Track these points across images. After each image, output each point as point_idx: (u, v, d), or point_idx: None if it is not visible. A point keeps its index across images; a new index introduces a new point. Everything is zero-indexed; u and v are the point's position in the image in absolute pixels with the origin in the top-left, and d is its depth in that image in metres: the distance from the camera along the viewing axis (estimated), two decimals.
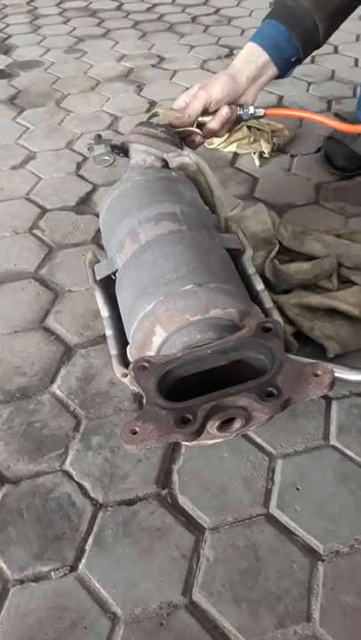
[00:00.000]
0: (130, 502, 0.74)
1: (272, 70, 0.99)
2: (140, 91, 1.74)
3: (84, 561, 0.68)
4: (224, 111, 0.97)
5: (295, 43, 0.96)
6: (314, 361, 0.65)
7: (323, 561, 0.67)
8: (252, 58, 0.98)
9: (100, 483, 0.76)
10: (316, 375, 0.60)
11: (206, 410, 0.59)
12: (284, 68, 1.00)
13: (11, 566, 0.68)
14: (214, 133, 1.01)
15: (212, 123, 0.99)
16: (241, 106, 1.00)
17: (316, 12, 0.95)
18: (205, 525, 0.71)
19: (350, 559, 0.67)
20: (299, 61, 1.01)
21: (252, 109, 1.00)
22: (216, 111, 0.98)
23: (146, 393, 0.63)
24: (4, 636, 0.63)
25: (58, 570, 0.68)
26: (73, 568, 0.68)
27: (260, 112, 1.01)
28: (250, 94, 1.00)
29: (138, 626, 0.63)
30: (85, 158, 1.41)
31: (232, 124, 1.02)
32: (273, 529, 0.70)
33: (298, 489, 0.74)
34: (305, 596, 0.64)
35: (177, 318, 0.69)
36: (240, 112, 1.00)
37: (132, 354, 0.74)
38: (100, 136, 1.06)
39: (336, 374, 0.82)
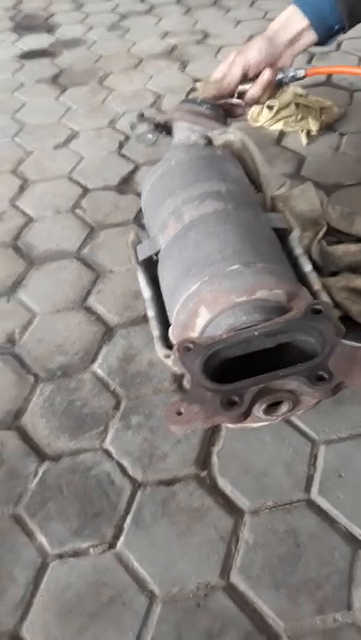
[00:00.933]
0: (169, 482, 0.74)
1: (311, 37, 0.95)
2: (184, 68, 1.71)
3: (122, 539, 0.69)
4: (266, 75, 0.94)
5: (340, 10, 0.92)
6: None
7: None
8: (290, 22, 0.94)
9: (139, 462, 0.76)
10: None
11: (254, 392, 0.58)
12: (326, 35, 0.96)
13: (50, 541, 0.69)
14: (256, 100, 0.98)
15: (254, 89, 0.96)
16: (280, 69, 0.97)
17: None
18: (245, 508, 0.70)
19: None
20: (343, 30, 0.96)
21: (292, 71, 0.97)
22: (256, 77, 0.95)
23: (191, 374, 0.63)
24: (44, 608, 0.64)
25: (96, 546, 0.68)
26: (111, 545, 0.68)
27: (301, 73, 0.97)
28: (287, 58, 0.97)
29: (175, 605, 0.63)
30: (128, 137, 1.40)
31: (273, 90, 0.99)
32: (314, 515, 0.69)
33: (341, 476, 0.72)
34: (346, 585, 0.63)
35: (222, 299, 0.67)
36: (280, 76, 0.97)
37: (174, 335, 0.73)
38: (142, 114, 1.05)
39: None
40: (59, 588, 0.66)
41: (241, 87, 0.98)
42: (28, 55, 1.89)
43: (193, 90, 1.01)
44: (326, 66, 0.98)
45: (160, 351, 0.74)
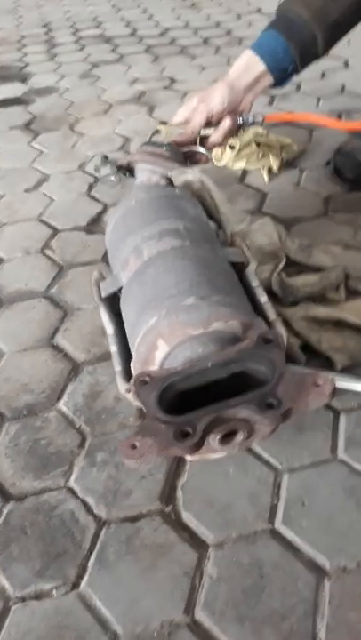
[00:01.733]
0: (133, 519, 0.73)
1: (268, 80, 1.01)
2: (152, 112, 1.77)
3: (86, 579, 0.68)
4: (227, 123, 0.99)
5: (293, 54, 0.97)
6: (315, 371, 0.64)
7: (329, 578, 0.65)
8: (248, 67, 0.99)
9: (103, 499, 0.75)
10: (317, 385, 0.60)
11: (206, 422, 0.59)
12: (281, 78, 1.01)
13: (13, 584, 0.68)
14: (217, 145, 1.03)
15: (215, 136, 1.00)
16: (240, 114, 1.01)
17: (315, 23, 0.95)
18: (209, 542, 0.70)
19: (358, 576, 0.65)
20: (296, 71, 1.02)
21: (251, 117, 1.02)
22: (217, 123, 0.99)
23: (146, 407, 0.63)
24: None
25: (59, 587, 0.67)
26: (75, 586, 0.67)
27: (259, 119, 1.03)
28: (246, 102, 1.02)
29: None
30: (97, 179, 1.44)
31: (233, 134, 1.04)
32: (278, 545, 0.68)
33: (304, 504, 0.72)
34: (310, 615, 0.62)
35: (179, 332, 0.69)
36: (240, 121, 1.02)
37: (135, 369, 0.73)
38: (106, 157, 1.08)
39: (344, 385, 0.81)
40: (20, 633, 0.64)
41: (202, 132, 1.02)
42: (2, 104, 1.95)
43: (157, 132, 1.04)
44: (283, 113, 1.04)
45: (121, 386, 0.74)
